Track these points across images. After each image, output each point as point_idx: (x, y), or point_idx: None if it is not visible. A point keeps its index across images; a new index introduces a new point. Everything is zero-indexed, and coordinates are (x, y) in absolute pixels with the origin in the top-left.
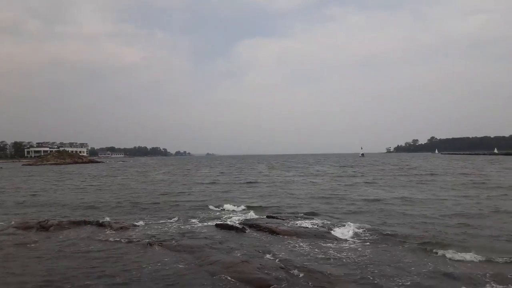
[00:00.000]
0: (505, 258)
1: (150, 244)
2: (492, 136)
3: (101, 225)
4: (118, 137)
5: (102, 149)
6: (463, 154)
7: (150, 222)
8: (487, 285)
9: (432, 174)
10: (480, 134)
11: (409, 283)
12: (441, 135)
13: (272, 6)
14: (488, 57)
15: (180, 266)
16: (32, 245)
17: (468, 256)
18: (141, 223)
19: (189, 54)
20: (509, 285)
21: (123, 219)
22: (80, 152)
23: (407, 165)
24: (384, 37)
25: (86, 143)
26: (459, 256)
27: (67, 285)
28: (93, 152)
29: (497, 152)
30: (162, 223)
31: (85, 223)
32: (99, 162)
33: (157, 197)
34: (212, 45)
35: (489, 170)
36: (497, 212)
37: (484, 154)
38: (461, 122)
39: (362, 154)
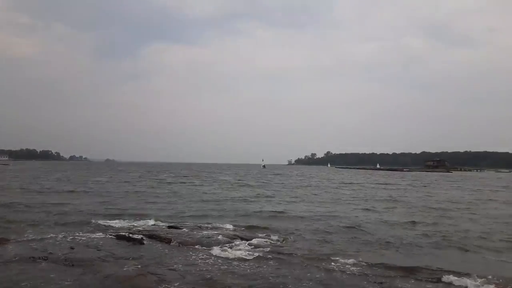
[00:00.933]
0: (395, 264)
1: (33, 259)
2: (378, 153)
3: None
4: (1, 136)
5: None
6: (353, 168)
7: (32, 235)
8: None
9: (328, 187)
10: (368, 150)
11: None
12: (335, 149)
13: (183, 13)
14: (379, 80)
15: (68, 282)
16: None
17: (356, 265)
18: (21, 235)
19: (91, 52)
20: None
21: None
22: None
23: (309, 176)
24: (289, 54)
25: None
26: (348, 263)
27: None
28: None
29: (379, 167)
30: (47, 235)
31: None
32: None
33: (42, 207)
34: (117, 45)
35: (377, 184)
36: (385, 224)
37: (370, 169)
38: (353, 138)
39: (264, 166)
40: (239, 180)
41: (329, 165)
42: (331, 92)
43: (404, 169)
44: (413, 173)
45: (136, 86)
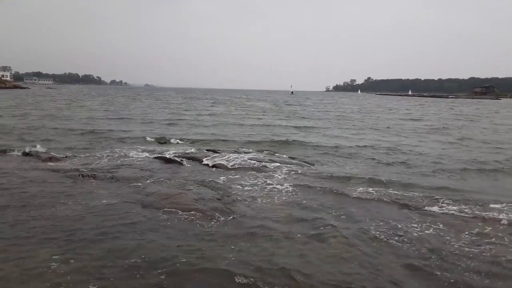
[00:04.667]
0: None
1: (83, 176)
2: (422, 78)
3: (27, 154)
4: (47, 61)
5: (28, 74)
6: (392, 95)
7: (81, 153)
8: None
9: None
10: (413, 76)
11: (335, 213)
12: (377, 76)
13: None
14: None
15: (115, 198)
16: None
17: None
18: (71, 154)
19: None
20: None
21: (51, 150)
22: (3, 76)
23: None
24: None
25: (9, 67)
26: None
27: None
28: (18, 77)
29: (411, 93)
30: (95, 154)
31: (11, 150)
32: (24, 88)
33: (89, 128)
34: None
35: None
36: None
37: (410, 96)
38: (396, 64)
39: (292, 92)
40: (273, 107)
41: (359, 92)
42: (372, 16)
43: (450, 96)
44: (455, 99)
45: (169, 9)
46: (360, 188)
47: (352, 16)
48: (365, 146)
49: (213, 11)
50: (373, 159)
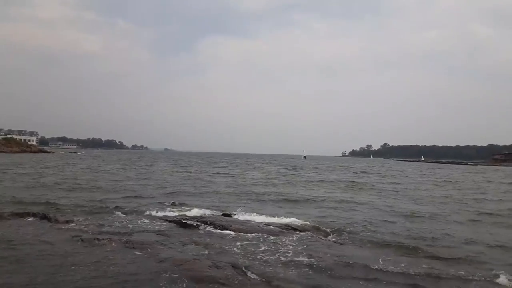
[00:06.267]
0: None
1: (98, 240)
2: (440, 145)
3: (45, 217)
4: (72, 127)
5: (53, 139)
6: (410, 161)
7: (97, 217)
8: None
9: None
10: (429, 143)
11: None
12: (394, 141)
13: (239, 6)
14: (439, 69)
15: (129, 263)
16: None
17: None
18: (88, 217)
19: (150, 46)
20: None
21: (68, 213)
22: (29, 140)
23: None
24: (344, 45)
25: (36, 132)
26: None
27: None
28: (43, 141)
29: (425, 160)
30: (110, 218)
31: (29, 214)
32: (48, 152)
33: (106, 192)
34: (174, 39)
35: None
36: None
37: (428, 162)
38: (413, 131)
39: (305, 157)
40: (287, 171)
41: (371, 157)
42: (389, 83)
43: (469, 163)
44: (479, 167)
45: (192, 79)
46: (384, 258)
47: (368, 83)
48: (393, 214)
49: (230, 79)
50: (404, 227)
